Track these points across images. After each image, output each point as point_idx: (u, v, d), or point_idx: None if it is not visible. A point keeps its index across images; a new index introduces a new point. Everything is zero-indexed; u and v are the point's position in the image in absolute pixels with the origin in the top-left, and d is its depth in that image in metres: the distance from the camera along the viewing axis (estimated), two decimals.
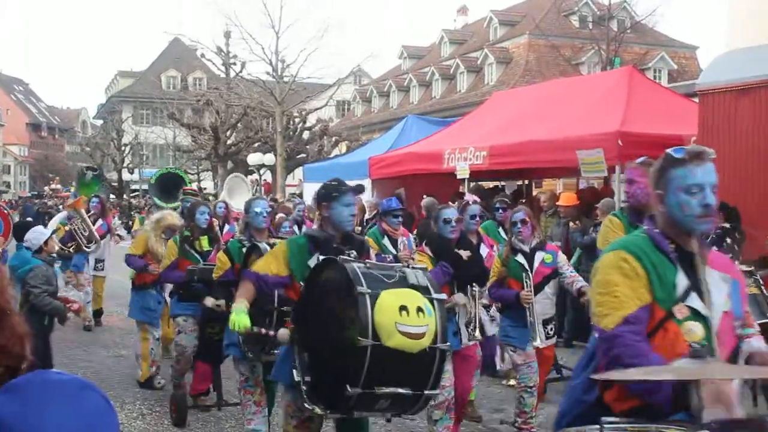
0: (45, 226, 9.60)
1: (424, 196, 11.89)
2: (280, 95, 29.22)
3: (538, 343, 6.49)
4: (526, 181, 15.54)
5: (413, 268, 4.21)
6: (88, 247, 11.85)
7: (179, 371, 7.51)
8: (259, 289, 4.55)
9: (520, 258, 6.55)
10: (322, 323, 4.12)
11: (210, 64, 39.81)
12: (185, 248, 7.42)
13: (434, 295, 3.98)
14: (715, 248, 8.15)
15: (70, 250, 12.03)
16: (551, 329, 6.71)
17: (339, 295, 3.99)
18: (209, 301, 6.37)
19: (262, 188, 29.22)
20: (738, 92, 8.81)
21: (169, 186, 14.27)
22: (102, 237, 12.12)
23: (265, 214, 6.25)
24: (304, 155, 32.12)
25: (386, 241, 8.12)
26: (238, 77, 33.91)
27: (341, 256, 4.14)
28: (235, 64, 34.46)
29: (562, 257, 6.82)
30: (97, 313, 12.44)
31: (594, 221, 10.31)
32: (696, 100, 9.76)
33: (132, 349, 10.47)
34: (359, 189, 4.96)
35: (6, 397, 1.52)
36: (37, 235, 7.47)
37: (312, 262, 4.39)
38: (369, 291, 3.79)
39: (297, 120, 32.95)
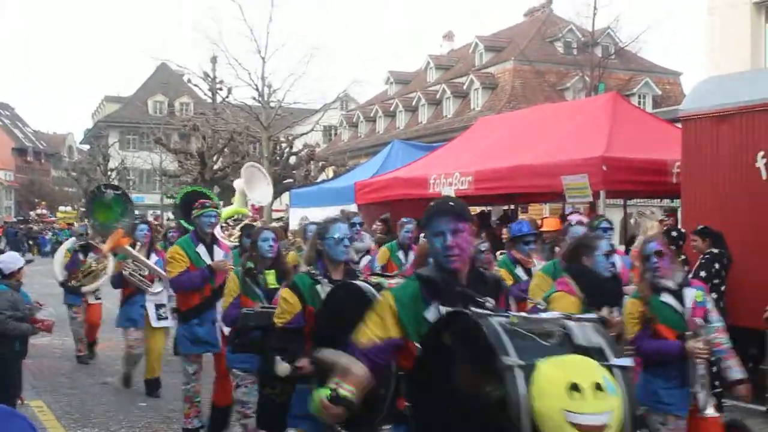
0: (29, 250, 9.41)
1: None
2: (267, 120, 29.26)
3: (710, 411, 5.02)
4: (512, 206, 15.58)
5: (578, 318, 2.90)
6: (151, 288, 9.27)
7: None
8: (374, 369, 3.25)
9: (667, 298, 5.09)
10: (449, 405, 2.92)
11: (197, 90, 39.93)
12: (247, 284, 6.00)
13: (614, 362, 2.71)
14: (704, 273, 8.18)
15: (72, 282, 11.31)
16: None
17: (474, 365, 2.82)
18: (282, 369, 4.73)
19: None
20: (719, 118, 8.91)
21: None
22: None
23: (347, 243, 4.90)
24: (290, 180, 32.16)
25: (520, 271, 7.10)
26: (224, 102, 33.96)
27: (474, 309, 2.92)
28: (221, 89, 34.53)
29: (709, 297, 5.31)
30: (154, 385, 9.18)
31: None
32: (680, 125, 9.86)
33: (118, 376, 10.40)
34: (456, 209, 3.52)
35: None
36: (12, 260, 7.51)
37: (431, 315, 3.22)
38: (521, 363, 2.58)
39: (284, 145, 33.02)
